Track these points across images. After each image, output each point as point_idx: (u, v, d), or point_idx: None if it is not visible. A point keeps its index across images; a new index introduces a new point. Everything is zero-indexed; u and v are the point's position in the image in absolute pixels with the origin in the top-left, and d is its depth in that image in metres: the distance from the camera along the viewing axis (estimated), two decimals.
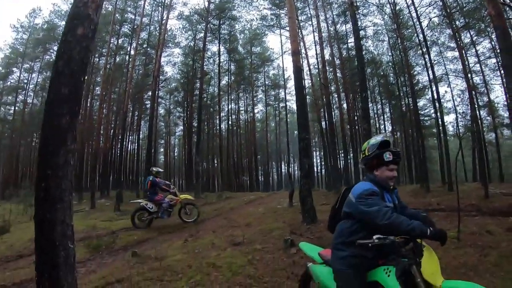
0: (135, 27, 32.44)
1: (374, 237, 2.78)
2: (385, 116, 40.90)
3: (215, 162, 46.96)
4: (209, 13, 34.53)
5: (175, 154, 58.56)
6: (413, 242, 2.89)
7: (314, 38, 34.02)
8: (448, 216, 11.47)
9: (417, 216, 3.25)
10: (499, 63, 22.38)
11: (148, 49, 36.26)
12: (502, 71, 21.71)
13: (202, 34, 35.80)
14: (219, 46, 39.83)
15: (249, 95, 46.10)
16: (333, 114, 31.87)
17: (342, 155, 34.12)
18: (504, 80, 20.94)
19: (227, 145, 44.02)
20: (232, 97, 45.36)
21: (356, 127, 33.20)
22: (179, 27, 39.54)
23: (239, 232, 10.12)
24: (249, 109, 46.86)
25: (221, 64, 40.83)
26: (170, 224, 13.62)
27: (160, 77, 38.23)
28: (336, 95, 34.01)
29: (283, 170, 57.08)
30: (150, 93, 33.59)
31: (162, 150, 55.28)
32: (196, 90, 35.95)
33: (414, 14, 23.96)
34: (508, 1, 13.48)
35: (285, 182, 51.80)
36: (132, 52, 31.52)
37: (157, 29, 34.57)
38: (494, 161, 28.52)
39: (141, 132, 43.11)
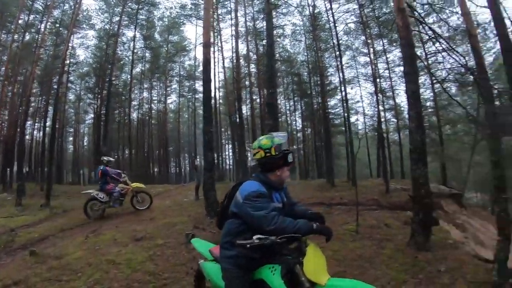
0: (48, 3, 29.97)
1: (254, 237, 2.80)
2: (297, 113, 41.95)
3: (126, 153, 45.52)
4: None
5: (85, 143, 55.87)
6: (297, 241, 2.95)
7: (231, 32, 34.07)
8: (350, 210, 12.02)
9: (305, 213, 3.37)
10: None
11: (61, 28, 33.62)
12: None
13: (118, 18, 34.56)
14: (135, 31, 38.34)
15: (163, 85, 45.01)
16: (245, 109, 32.27)
17: None
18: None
19: (137, 135, 42.71)
20: (146, 85, 43.84)
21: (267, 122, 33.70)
22: (96, 8, 37.29)
23: (143, 227, 10.00)
24: (162, 99, 45.82)
25: (136, 50, 39.31)
26: (76, 218, 13.13)
27: (71, 60, 36.19)
28: (249, 90, 34.40)
29: (196, 162, 56.58)
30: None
31: (71, 138, 52.34)
32: (108, 77, 34.59)
33: (331, 18, 24.62)
34: (420, 16, 14.30)
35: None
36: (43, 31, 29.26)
37: (72, 7, 32.31)
38: (397, 159, 30.37)
39: (48, 118, 40.37)
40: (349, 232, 9.37)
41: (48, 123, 35.07)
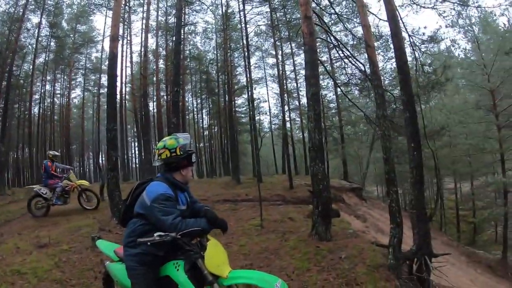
0: None
1: (155, 234, 2.90)
2: (204, 111, 41.88)
3: (26, 151, 42.42)
4: None
5: None
6: (198, 236, 3.15)
7: (142, 25, 33.14)
8: (255, 206, 12.34)
9: (201, 210, 3.49)
10: None
11: None
12: None
13: (25, 1, 32.01)
14: (41, 18, 35.36)
15: (67, 78, 42.34)
16: (152, 105, 31.74)
17: None
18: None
19: (39, 132, 39.88)
20: (49, 77, 40.95)
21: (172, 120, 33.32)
22: None
23: (46, 232, 9.48)
24: (66, 93, 43.17)
25: (40, 39, 36.39)
26: None
27: None
28: (156, 86, 33.83)
29: (100, 161, 54.45)
30: None
31: None
32: (9, 66, 31.96)
33: (243, 19, 24.96)
34: (326, 25, 14.94)
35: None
36: None
37: None
38: (302, 156, 31.55)
39: None
40: (254, 227, 9.71)
41: None
